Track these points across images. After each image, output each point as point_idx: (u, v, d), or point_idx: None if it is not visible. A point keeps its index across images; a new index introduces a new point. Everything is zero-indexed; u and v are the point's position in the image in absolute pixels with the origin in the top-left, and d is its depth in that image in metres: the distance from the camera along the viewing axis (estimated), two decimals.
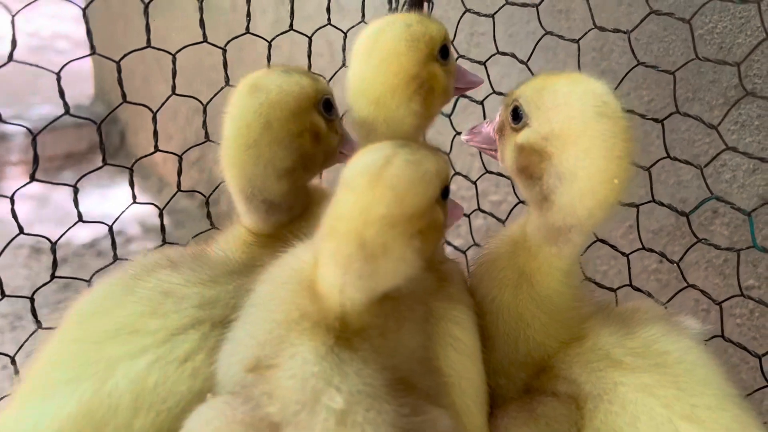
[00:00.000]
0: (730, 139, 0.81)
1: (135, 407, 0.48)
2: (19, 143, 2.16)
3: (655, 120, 0.72)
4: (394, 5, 0.89)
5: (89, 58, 0.82)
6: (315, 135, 0.60)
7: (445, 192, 0.49)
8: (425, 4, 0.88)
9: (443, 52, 0.57)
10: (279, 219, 0.63)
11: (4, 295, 0.67)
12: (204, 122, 0.82)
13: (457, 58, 0.64)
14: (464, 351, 0.55)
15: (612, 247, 0.77)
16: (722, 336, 0.70)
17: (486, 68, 0.85)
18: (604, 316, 0.61)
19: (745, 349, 0.69)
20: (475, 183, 0.93)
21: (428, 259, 0.48)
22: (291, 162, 0.59)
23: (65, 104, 0.68)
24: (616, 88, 0.54)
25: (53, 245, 0.73)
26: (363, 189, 0.44)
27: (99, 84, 2.45)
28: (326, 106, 0.61)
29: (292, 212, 0.64)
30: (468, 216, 0.94)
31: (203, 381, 0.49)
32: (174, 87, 0.78)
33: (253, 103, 0.57)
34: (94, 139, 2.38)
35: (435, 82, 0.56)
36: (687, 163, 0.70)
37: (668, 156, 0.71)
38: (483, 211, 0.92)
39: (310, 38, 0.87)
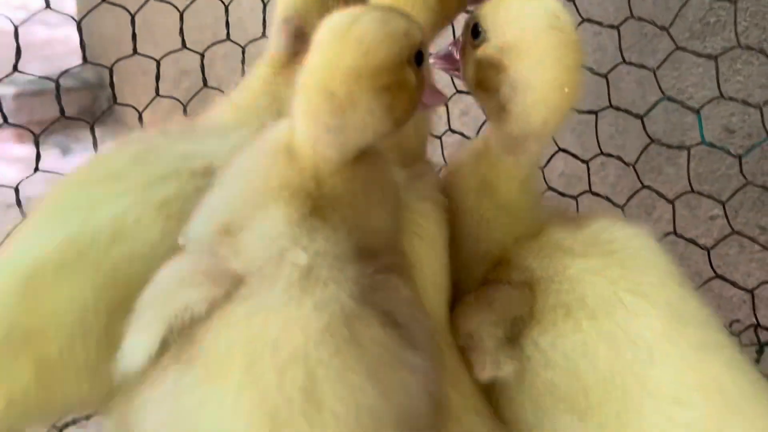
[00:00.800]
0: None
1: (113, 239, 0.52)
2: (8, 107, 2.19)
3: (612, 26, 0.75)
4: None
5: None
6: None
7: (418, 58, 0.49)
8: None
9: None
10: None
11: None
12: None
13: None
14: (428, 240, 0.57)
15: (571, 155, 0.80)
16: (674, 233, 0.73)
17: None
18: (559, 217, 0.64)
19: (695, 243, 0.73)
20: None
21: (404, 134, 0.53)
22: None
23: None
24: None
25: (16, 189, 0.76)
26: (330, 43, 0.45)
27: (88, 50, 2.48)
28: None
29: None
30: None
31: (177, 224, 0.52)
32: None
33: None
34: (83, 103, 2.40)
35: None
36: (641, 66, 0.73)
37: (624, 61, 0.74)
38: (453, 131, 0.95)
39: None
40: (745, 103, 0.69)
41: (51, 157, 2.39)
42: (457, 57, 0.61)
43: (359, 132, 0.46)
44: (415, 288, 0.53)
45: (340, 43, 0.45)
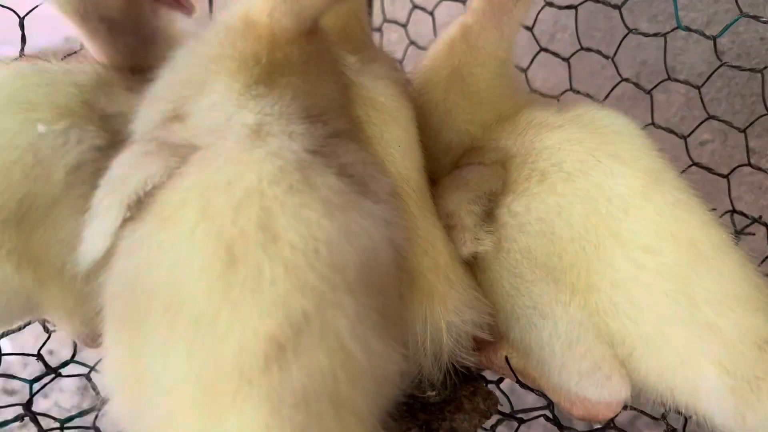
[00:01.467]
0: None
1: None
2: None
3: None
4: None
5: None
6: None
7: None
8: None
9: None
10: (128, 42, 0.59)
11: None
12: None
13: None
14: (386, 111, 0.58)
15: (553, 53, 0.81)
16: (652, 123, 0.74)
17: None
18: (539, 102, 0.65)
19: (673, 132, 0.74)
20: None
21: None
22: None
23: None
24: None
25: None
26: None
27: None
28: None
29: (141, 36, 0.60)
30: None
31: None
32: None
33: None
34: None
35: None
36: None
37: None
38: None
39: None
40: None
41: None
42: None
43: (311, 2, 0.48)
44: (371, 151, 0.54)
45: None
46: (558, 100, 0.81)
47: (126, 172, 0.45)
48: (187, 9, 0.61)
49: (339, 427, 0.39)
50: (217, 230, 0.39)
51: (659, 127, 0.74)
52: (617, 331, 0.51)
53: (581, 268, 0.52)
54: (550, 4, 0.79)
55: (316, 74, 0.51)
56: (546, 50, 0.82)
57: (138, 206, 0.43)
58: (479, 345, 0.60)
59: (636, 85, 0.75)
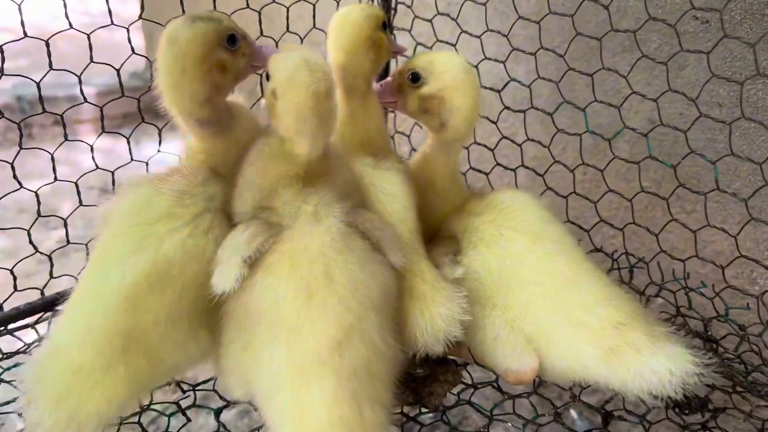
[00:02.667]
0: None
1: (182, 262, 0.71)
2: (87, 105, 2.58)
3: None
4: None
5: (142, 33, 1.05)
6: (222, 68, 0.75)
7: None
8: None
9: (384, 26, 0.91)
10: (212, 131, 0.80)
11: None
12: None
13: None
14: (390, 194, 0.85)
15: (537, 142, 1.17)
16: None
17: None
18: (475, 194, 0.96)
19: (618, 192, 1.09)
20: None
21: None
22: (207, 92, 0.75)
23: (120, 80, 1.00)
24: None
25: (112, 173, 1.03)
26: (299, 79, 0.71)
27: (150, 53, 2.86)
28: (230, 40, 0.76)
29: (221, 124, 0.80)
30: None
31: (218, 245, 0.73)
32: None
33: (170, 54, 0.73)
34: (146, 101, 2.77)
35: (381, 43, 0.90)
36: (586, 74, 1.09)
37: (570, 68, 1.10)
38: None
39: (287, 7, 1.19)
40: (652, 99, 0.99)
41: (126, 148, 2.77)
42: (392, 95, 0.92)
43: (331, 129, 0.76)
44: (379, 215, 0.81)
45: (309, 76, 0.70)
46: (543, 177, 1.16)
47: (245, 238, 0.71)
48: (260, 68, 0.82)
49: (373, 388, 0.67)
50: (300, 276, 0.68)
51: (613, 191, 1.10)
52: (529, 333, 0.81)
53: (498, 296, 0.82)
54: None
55: (337, 173, 0.79)
56: (532, 140, 1.17)
57: (251, 261, 0.70)
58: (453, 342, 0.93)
59: (596, 168, 1.10)
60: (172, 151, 1.07)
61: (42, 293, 1.03)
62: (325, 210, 0.74)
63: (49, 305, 1.02)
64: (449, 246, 0.90)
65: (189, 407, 0.91)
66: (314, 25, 1.23)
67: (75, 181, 1.02)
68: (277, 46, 1.12)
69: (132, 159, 1.07)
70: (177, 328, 0.71)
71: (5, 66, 0.88)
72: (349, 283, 0.69)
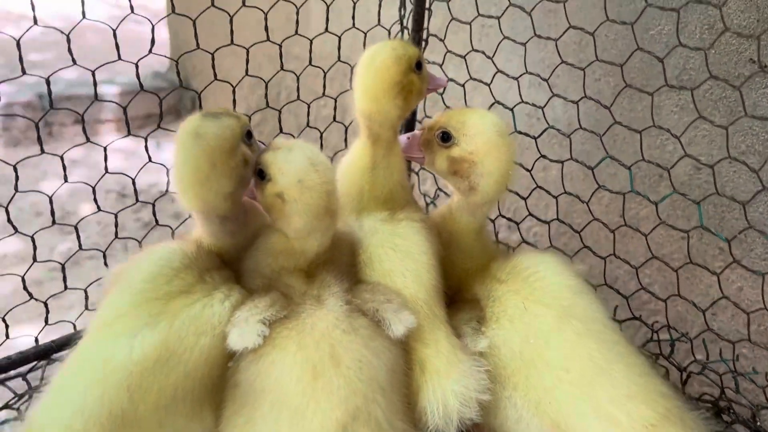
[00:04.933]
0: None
1: (194, 335, 0.69)
2: (109, 104, 2.54)
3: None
4: (402, 14, 1.20)
5: (167, 31, 1.02)
6: (245, 161, 0.76)
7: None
8: (425, 13, 1.19)
9: (418, 65, 0.85)
10: (232, 228, 0.80)
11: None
12: (266, 93, 1.12)
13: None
14: (403, 251, 0.82)
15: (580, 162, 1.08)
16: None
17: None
18: (499, 254, 0.92)
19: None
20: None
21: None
22: (233, 185, 0.75)
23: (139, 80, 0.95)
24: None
25: (133, 180, 1.01)
26: (296, 186, 0.72)
27: (174, 53, 2.81)
28: (248, 135, 0.77)
29: (238, 220, 0.81)
30: None
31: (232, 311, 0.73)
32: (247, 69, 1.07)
33: (199, 149, 0.72)
34: (170, 102, 2.73)
35: (412, 86, 0.84)
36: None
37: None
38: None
39: (311, 40, 1.13)
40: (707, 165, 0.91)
41: (149, 149, 2.73)
42: (419, 150, 0.88)
43: (330, 231, 0.78)
44: (387, 281, 0.80)
45: (319, 177, 0.72)
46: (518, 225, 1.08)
47: (264, 302, 0.72)
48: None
49: None
50: (306, 357, 0.68)
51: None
52: (555, 419, 0.75)
53: (519, 376, 0.77)
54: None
55: (333, 258, 0.80)
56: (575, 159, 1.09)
57: (269, 323, 0.70)
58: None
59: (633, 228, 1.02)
60: None
61: (36, 341, 0.99)
62: (327, 292, 0.75)
63: (42, 354, 0.98)
64: (473, 311, 0.84)
65: None
66: (339, 57, 1.16)
67: (93, 185, 0.97)
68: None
69: (150, 160, 1.02)
70: (179, 411, 0.68)
71: (30, 59, 0.84)
72: (354, 364, 0.69)
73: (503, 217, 1.18)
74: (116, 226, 1.02)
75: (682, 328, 1.03)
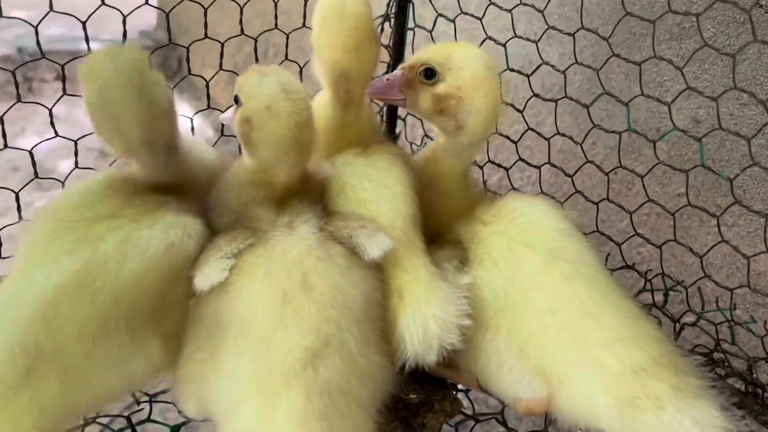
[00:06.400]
0: None
1: (122, 258, 0.62)
2: None
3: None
4: None
5: None
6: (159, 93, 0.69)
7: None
8: None
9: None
10: (165, 160, 0.71)
11: None
12: (255, 50, 1.07)
13: None
14: (376, 180, 0.77)
15: (567, 137, 1.02)
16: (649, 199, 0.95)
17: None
18: (485, 198, 0.86)
19: (665, 209, 0.94)
20: None
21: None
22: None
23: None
24: None
25: None
26: (270, 121, 0.68)
27: (162, 12, 2.73)
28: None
29: (173, 154, 0.73)
30: None
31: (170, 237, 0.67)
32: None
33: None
34: (155, 62, 2.66)
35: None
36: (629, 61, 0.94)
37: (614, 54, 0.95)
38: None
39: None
40: (709, 98, 0.82)
41: None
42: (400, 91, 0.81)
43: (303, 165, 0.74)
44: (363, 210, 0.75)
45: (290, 105, 0.68)
46: (572, 179, 1.01)
47: (226, 239, 0.69)
48: None
49: (348, 411, 0.62)
50: (276, 284, 0.64)
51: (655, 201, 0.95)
52: (539, 365, 0.71)
53: (502, 318, 0.73)
54: None
55: (305, 187, 0.76)
56: (563, 134, 1.03)
57: (233, 257, 0.67)
58: (451, 364, 0.82)
59: (633, 172, 0.95)
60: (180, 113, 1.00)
61: None
62: (299, 219, 0.71)
63: None
64: (455, 251, 0.80)
65: (141, 422, 0.82)
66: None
67: (75, 140, 0.93)
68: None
69: None
70: (112, 341, 0.63)
71: (14, 15, 0.82)
72: (328, 291, 0.65)
73: (492, 162, 1.12)
74: None
75: (678, 277, 0.97)
